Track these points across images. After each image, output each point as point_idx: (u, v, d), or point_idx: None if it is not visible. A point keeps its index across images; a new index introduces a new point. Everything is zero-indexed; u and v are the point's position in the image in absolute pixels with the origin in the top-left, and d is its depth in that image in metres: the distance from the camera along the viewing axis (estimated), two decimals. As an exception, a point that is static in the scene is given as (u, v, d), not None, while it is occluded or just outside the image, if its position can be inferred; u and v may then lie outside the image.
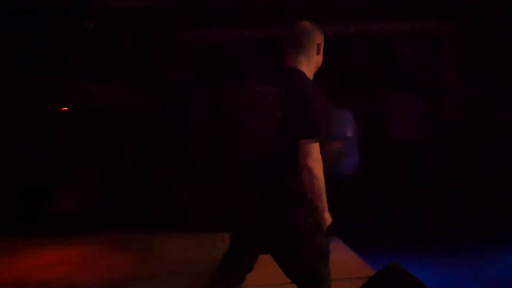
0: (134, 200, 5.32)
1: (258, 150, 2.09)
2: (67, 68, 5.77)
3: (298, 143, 2.00)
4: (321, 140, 2.05)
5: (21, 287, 3.85)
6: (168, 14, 5.67)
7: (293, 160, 2.02)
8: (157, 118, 5.54)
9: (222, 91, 2.57)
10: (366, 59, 6.35)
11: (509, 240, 4.83)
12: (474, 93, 6.00)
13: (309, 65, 2.20)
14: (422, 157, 5.81)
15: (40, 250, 4.78)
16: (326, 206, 2.08)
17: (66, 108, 5.78)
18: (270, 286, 3.36)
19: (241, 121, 2.15)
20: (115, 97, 5.69)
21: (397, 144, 5.66)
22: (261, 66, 2.45)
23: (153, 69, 5.69)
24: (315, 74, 2.26)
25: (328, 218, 2.10)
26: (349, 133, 4.58)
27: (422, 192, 5.69)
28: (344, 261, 4.01)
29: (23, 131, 5.46)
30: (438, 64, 6.43)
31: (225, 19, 5.65)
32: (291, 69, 2.17)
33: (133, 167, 5.58)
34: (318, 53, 2.21)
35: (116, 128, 5.63)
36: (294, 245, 2.12)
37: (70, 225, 5.25)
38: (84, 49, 5.81)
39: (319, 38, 2.22)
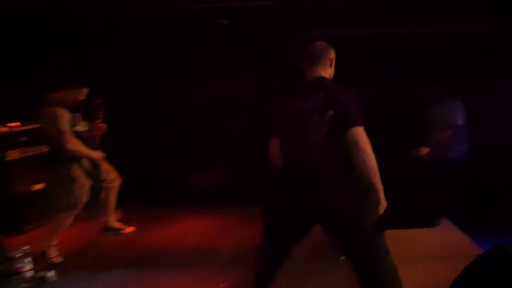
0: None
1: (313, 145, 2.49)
2: (208, 66, 6.42)
3: (348, 132, 2.38)
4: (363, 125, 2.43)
5: (163, 250, 4.47)
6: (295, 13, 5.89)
7: (344, 147, 2.41)
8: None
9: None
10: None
11: None
12: None
13: (326, 76, 2.67)
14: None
15: (180, 219, 5.45)
16: (381, 186, 2.41)
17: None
18: None
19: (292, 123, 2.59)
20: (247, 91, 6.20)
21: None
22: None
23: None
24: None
25: (383, 198, 2.42)
26: (459, 122, 5.00)
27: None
28: (452, 240, 4.42)
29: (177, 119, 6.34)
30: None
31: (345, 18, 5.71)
32: (322, 78, 2.62)
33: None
34: (330, 66, 2.68)
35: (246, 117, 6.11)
36: (351, 220, 2.46)
37: (209, 198, 5.82)
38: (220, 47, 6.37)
39: (332, 54, 2.68)
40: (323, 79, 2.63)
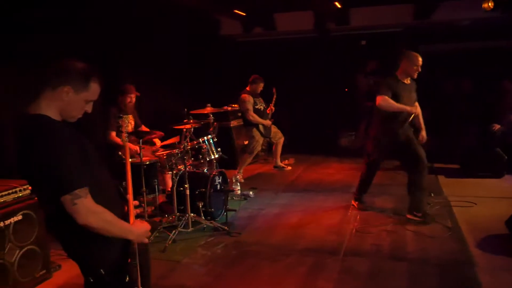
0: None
1: None
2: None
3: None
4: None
5: (318, 182, 6.52)
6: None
7: None
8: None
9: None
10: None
11: None
12: None
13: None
14: None
15: (330, 164, 7.73)
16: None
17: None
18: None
19: None
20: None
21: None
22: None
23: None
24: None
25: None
26: None
27: None
28: (510, 185, 5.72)
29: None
30: None
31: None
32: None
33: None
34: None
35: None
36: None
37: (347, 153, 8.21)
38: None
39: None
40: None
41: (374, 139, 4.75)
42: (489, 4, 5.61)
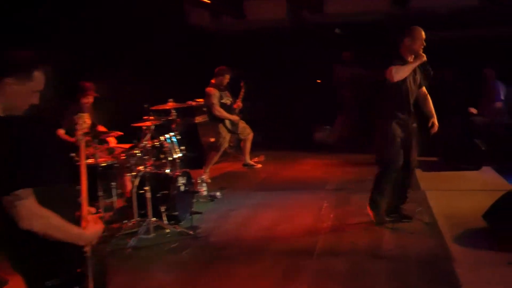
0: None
1: None
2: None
3: None
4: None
5: (292, 180, 6.51)
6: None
7: None
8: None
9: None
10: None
11: None
12: None
13: None
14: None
15: (304, 160, 7.78)
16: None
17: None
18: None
19: None
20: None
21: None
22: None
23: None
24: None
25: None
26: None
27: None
28: (490, 179, 5.90)
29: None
30: None
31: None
32: None
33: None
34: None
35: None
36: None
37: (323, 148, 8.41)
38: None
39: None
40: None
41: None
42: None
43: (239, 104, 6.93)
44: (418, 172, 6.29)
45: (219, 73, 6.54)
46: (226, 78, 6.60)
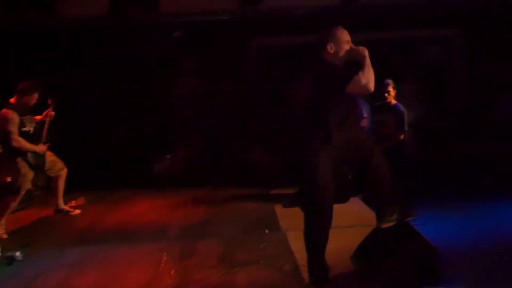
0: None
1: None
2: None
3: None
4: None
5: (122, 228, 5.82)
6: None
7: None
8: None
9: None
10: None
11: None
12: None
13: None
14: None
15: (140, 201, 7.13)
16: None
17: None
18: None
19: None
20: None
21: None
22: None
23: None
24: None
25: None
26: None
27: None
28: (359, 212, 5.99)
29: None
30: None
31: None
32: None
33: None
34: None
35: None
36: None
37: (163, 183, 7.74)
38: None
39: None
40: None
41: None
42: None
43: (45, 127, 5.92)
44: (278, 209, 6.14)
45: (24, 91, 5.56)
46: (34, 98, 5.63)
